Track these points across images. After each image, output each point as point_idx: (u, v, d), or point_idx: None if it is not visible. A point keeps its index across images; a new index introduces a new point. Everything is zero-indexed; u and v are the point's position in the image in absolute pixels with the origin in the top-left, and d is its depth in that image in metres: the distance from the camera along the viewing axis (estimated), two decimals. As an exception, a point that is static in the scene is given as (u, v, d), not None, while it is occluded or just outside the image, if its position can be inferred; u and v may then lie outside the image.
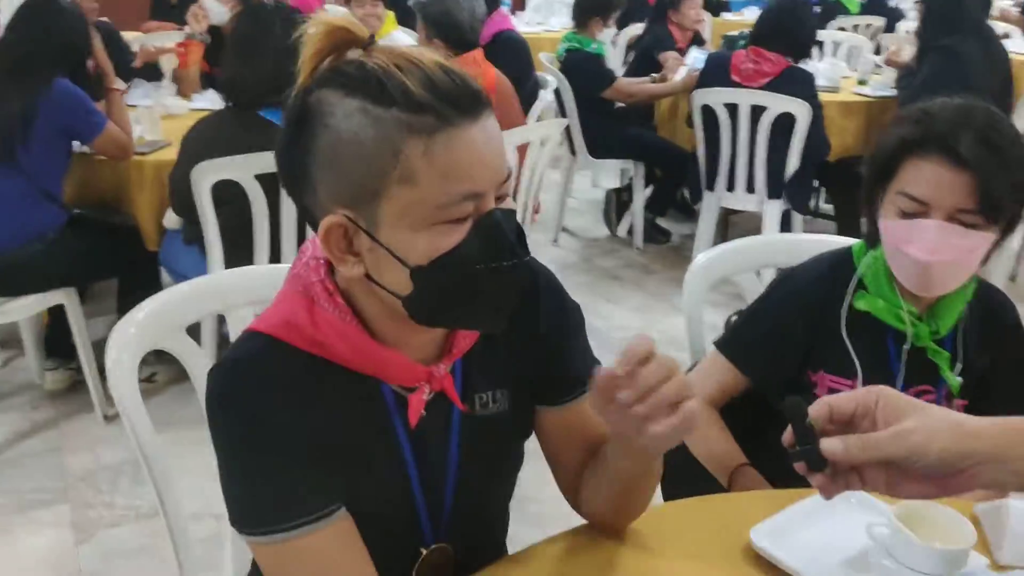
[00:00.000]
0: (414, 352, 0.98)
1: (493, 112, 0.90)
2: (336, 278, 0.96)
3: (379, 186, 0.86)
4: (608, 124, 4.37)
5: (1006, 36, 5.40)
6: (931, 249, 1.29)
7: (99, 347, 3.04)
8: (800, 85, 3.61)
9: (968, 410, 1.44)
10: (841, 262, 1.48)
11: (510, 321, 0.97)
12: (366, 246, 0.90)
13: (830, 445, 0.83)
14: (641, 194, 4.42)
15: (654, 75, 4.44)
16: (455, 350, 1.01)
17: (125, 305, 3.00)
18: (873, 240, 1.43)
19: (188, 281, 1.48)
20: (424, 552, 1.04)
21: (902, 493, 0.84)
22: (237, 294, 1.49)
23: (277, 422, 0.93)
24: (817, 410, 0.87)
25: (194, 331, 1.58)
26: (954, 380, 1.40)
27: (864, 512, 1.15)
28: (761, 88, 3.63)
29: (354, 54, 0.90)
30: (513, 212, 0.92)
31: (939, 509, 1.08)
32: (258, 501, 0.94)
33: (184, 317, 1.44)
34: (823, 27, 5.59)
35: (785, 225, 3.86)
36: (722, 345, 1.54)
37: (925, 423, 0.81)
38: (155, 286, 3.09)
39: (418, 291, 0.90)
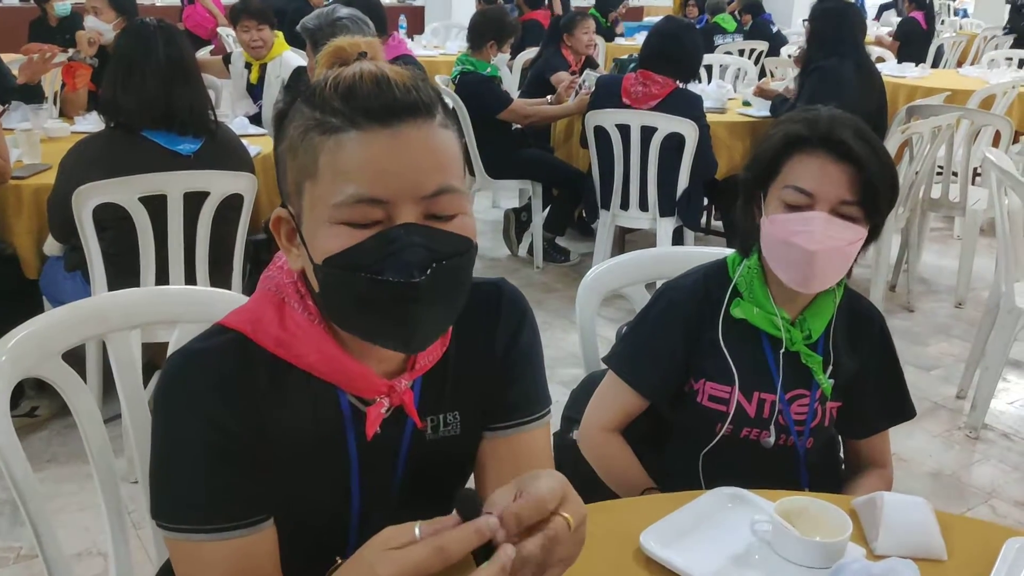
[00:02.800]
0: (377, 364, 0.98)
1: (430, 127, 0.88)
2: (309, 283, 0.96)
3: (301, 180, 0.89)
4: (505, 145, 4.41)
5: (880, 60, 5.70)
6: (818, 239, 1.35)
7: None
8: (688, 106, 3.72)
9: (841, 412, 1.51)
10: (716, 272, 1.53)
11: (453, 343, 0.96)
12: (298, 240, 0.92)
13: None
14: (540, 214, 4.47)
15: (550, 96, 4.51)
16: (417, 366, 0.99)
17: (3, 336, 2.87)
18: (747, 249, 1.49)
19: (64, 305, 1.42)
20: (339, 561, 1.02)
21: None
22: (118, 317, 1.44)
23: (226, 422, 0.91)
24: None
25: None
26: (827, 383, 1.46)
27: (748, 510, 1.18)
28: (651, 110, 3.72)
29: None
30: (439, 232, 0.87)
31: (818, 504, 1.13)
32: (186, 498, 0.92)
33: (61, 343, 1.38)
34: (708, 49, 5.80)
35: (678, 241, 3.95)
36: (615, 366, 1.55)
37: None
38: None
39: (321, 289, 0.90)
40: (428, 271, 0.85)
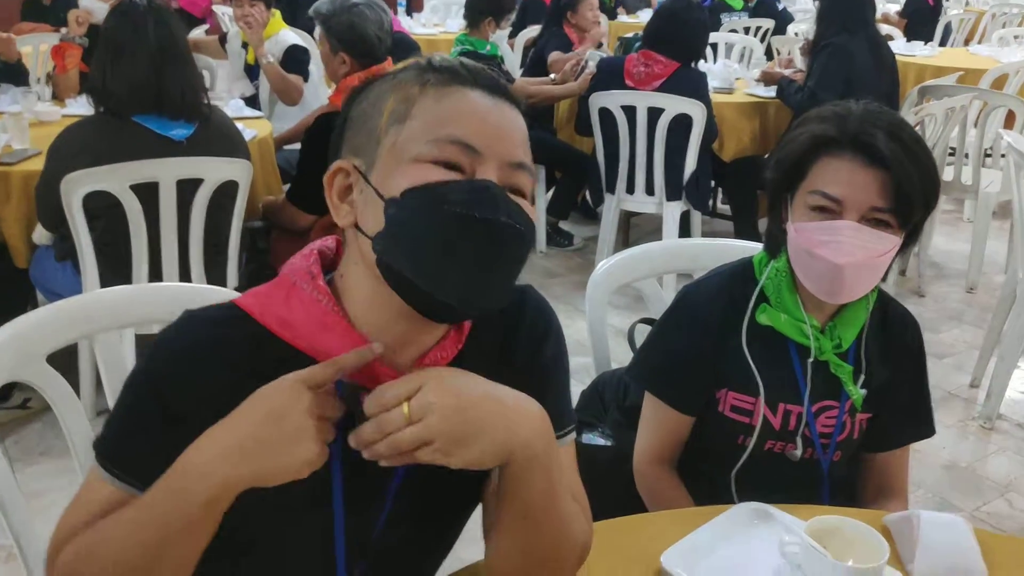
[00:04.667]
0: (388, 353, 0.90)
1: (520, 115, 0.93)
2: (329, 274, 0.94)
3: (382, 128, 0.90)
4: (507, 127, 4.30)
5: (889, 38, 5.58)
6: (846, 251, 1.24)
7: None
8: (693, 85, 3.62)
9: (870, 423, 1.41)
10: (741, 274, 1.42)
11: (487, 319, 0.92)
12: (359, 189, 0.90)
13: None
14: (543, 198, 4.38)
15: (554, 75, 4.40)
16: (427, 361, 0.92)
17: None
18: (775, 249, 1.39)
19: (49, 305, 1.35)
20: None
21: None
22: (106, 317, 1.37)
23: (204, 394, 0.88)
24: None
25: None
26: (857, 394, 1.36)
27: (774, 527, 1.11)
28: (655, 91, 3.63)
29: None
30: (519, 207, 0.88)
31: (852, 524, 1.05)
32: (131, 448, 0.91)
33: (45, 345, 1.31)
34: (714, 28, 5.67)
35: (684, 224, 3.86)
36: (649, 386, 1.45)
37: None
38: (29, 305, 2.88)
39: (387, 227, 0.86)
40: (513, 221, 0.86)
